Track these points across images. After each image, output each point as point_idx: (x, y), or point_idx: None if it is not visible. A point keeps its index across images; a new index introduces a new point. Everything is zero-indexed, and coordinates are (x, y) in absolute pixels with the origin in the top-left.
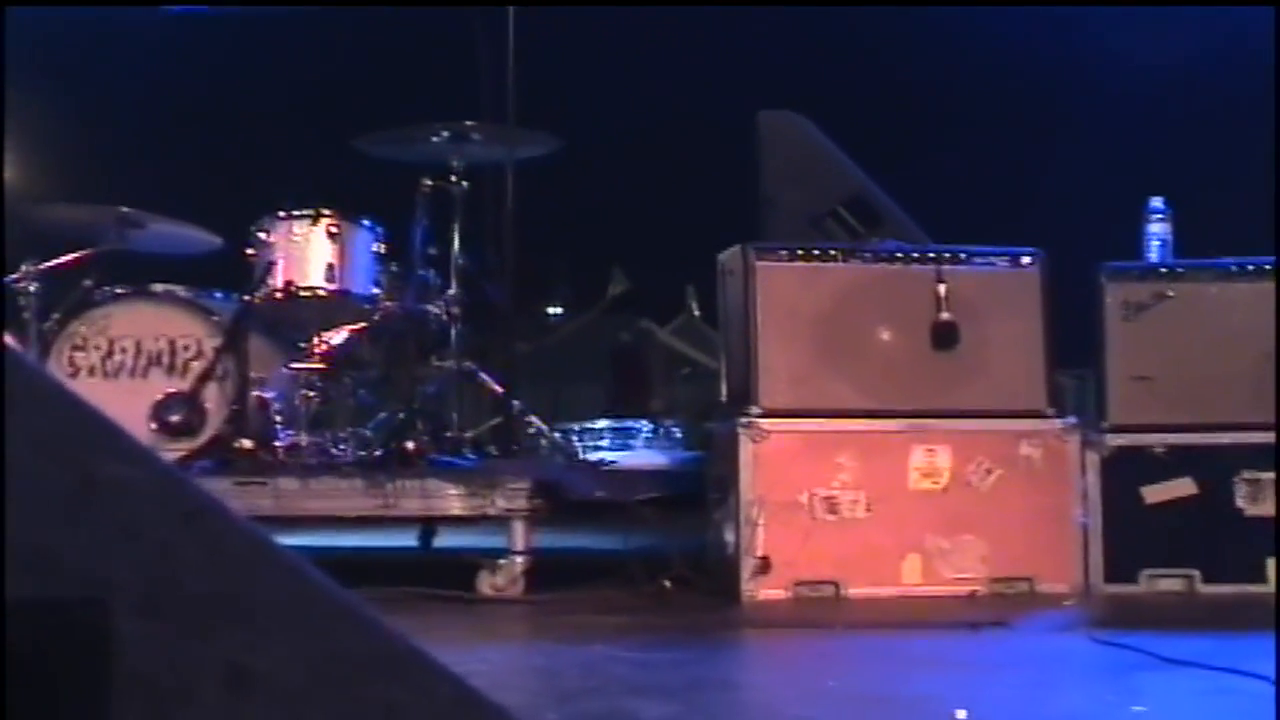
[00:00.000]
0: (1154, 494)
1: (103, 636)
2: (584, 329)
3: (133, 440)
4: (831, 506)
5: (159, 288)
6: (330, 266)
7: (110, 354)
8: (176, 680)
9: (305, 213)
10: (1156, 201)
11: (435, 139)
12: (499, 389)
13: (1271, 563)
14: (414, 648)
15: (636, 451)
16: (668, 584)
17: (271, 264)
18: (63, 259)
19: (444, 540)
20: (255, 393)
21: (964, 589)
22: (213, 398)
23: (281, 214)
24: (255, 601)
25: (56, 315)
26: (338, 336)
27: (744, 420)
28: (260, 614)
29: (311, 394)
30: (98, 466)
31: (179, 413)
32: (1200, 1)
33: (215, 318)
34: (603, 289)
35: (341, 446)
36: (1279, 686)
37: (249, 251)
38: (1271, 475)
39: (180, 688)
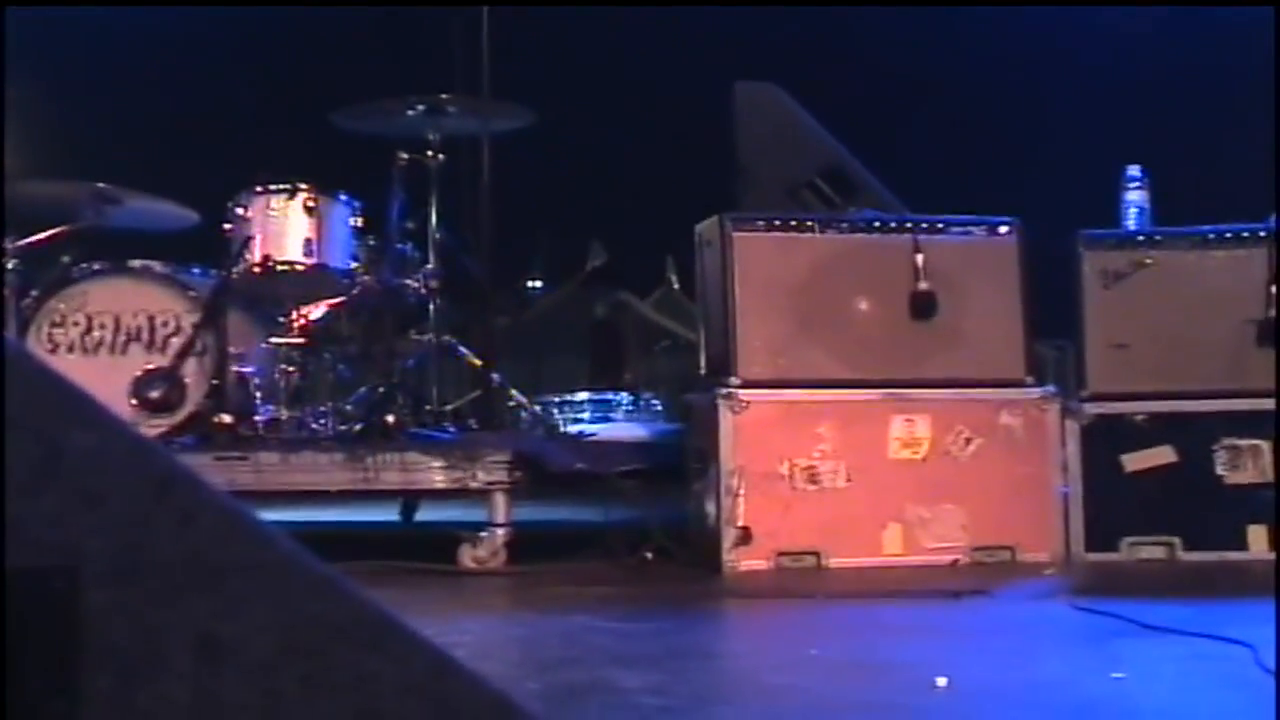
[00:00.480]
0: (1134, 462)
1: (72, 605)
2: (563, 302)
3: (102, 408)
4: (812, 476)
5: (137, 264)
6: (308, 241)
7: (89, 330)
8: (146, 649)
9: (282, 187)
10: (1133, 169)
11: (411, 112)
12: (478, 362)
13: (1252, 530)
14: (389, 617)
15: (616, 423)
16: (649, 555)
17: (249, 239)
18: (40, 236)
19: (425, 514)
20: (234, 368)
21: (945, 558)
22: (192, 373)
23: (258, 189)
24: (226, 570)
25: (35, 292)
26: (316, 311)
27: (723, 391)
28: (231, 582)
29: (291, 369)
30: (65, 435)
31: (159, 388)
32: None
33: (193, 293)
34: (581, 261)
35: (321, 421)
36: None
37: (226, 226)
38: (1251, 442)
39: (150, 656)
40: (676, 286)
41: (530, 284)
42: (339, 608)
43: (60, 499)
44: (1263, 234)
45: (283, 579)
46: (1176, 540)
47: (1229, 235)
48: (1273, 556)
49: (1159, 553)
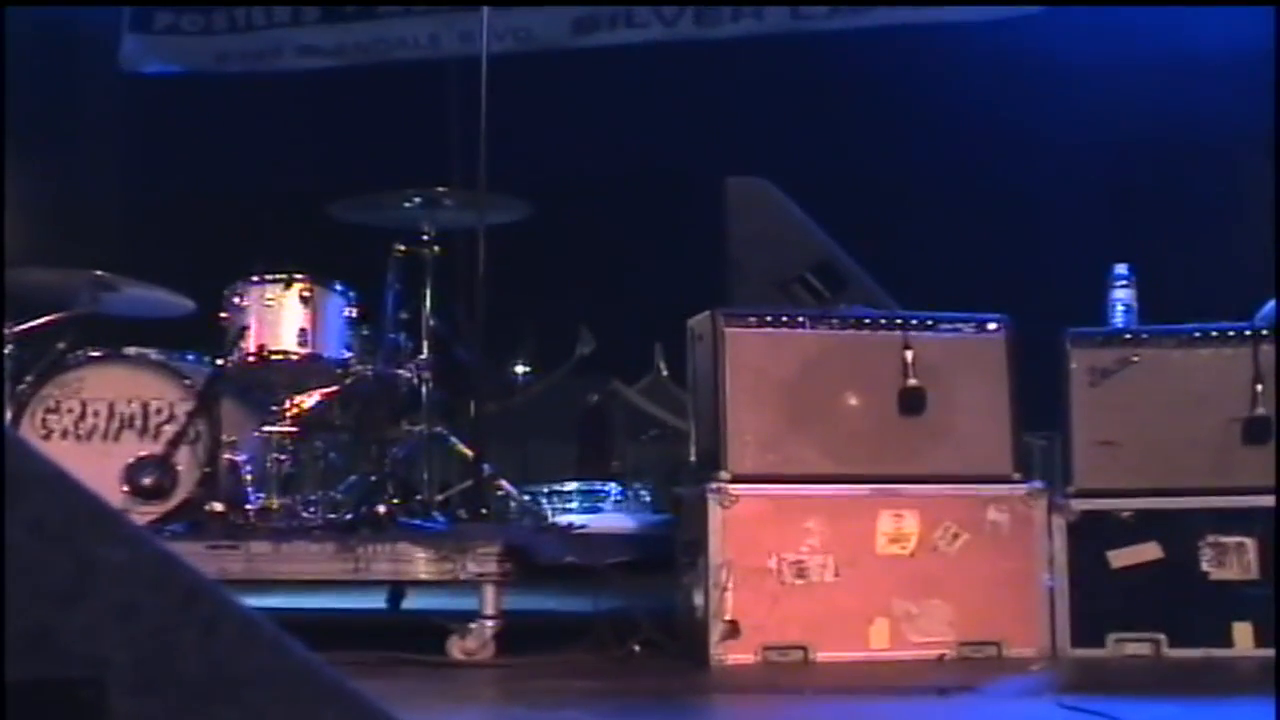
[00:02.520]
0: (1120, 558)
1: (100, 715)
2: (552, 389)
3: (130, 523)
4: (800, 570)
5: (132, 351)
6: (303, 330)
7: (83, 416)
8: None
9: (278, 277)
10: (1121, 267)
11: (407, 204)
12: (468, 452)
13: (1238, 626)
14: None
15: (605, 514)
16: (637, 648)
17: (244, 328)
18: (36, 322)
19: (413, 600)
20: (227, 455)
21: (932, 653)
22: (185, 460)
23: (254, 278)
24: (246, 680)
25: (30, 378)
26: (309, 400)
27: (713, 485)
28: (250, 691)
29: (283, 457)
30: (96, 550)
31: (151, 475)
32: (1193, 3)
33: (188, 381)
34: (570, 349)
35: (312, 509)
36: None
37: (222, 315)
38: (1236, 539)
39: None
40: (665, 374)
41: (518, 370)
42: (349, 714)
43: (90, 612)
44: (1248, 332)
45: (298, 687)
46: (1162, 636)
47: (1215, 334)
48: (1258, 654)
49: (1144, 649)
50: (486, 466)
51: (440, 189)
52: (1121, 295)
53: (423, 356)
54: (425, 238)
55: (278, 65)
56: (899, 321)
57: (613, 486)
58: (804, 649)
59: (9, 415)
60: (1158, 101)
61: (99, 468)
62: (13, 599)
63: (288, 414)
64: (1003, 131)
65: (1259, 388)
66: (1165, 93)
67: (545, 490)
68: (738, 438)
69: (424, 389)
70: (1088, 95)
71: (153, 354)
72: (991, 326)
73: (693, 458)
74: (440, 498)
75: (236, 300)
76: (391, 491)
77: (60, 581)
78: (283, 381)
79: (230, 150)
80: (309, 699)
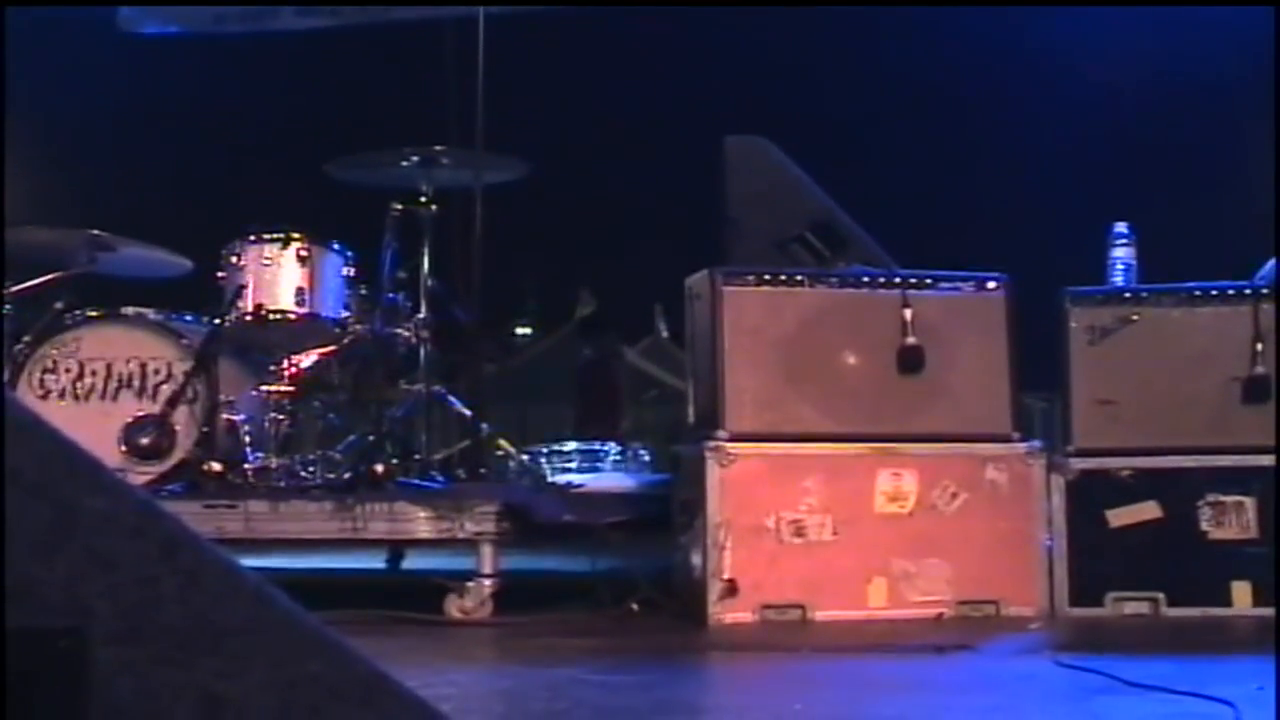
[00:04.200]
0: (1119, 517)
1: (81, 665)
2: (551, 349)
3: (111, 473)
4: (798, 529)
5: (129, 311)
6: (300, 290)
7: (81, 377)
8: (152, 707)
9: (275, 236)
10: (1120, 226)
11: (404, 164)
12: (467, 412)
13: (1236, 585)
14: (381, 674)
15: (604, 474)
16: (635, 607)
17: (241, 287)
18: (33, 282)
19: (412, 562)
20: (225, 415)
21: (930, 612)
22: (183, 420)
23: (251, 237)
24: (227, 630)
25: (27, 338)
26: (307, 359)
27: (711, 444)
28: (233, 642)
29: (281, 417)
30: (77, 499)
31: (149, 435)
32: (1189, 2)
33: (185, 341)
34: (570, 310)
35: (310, 469)
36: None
37: (219, 275)
38: (1235, 498)
39: (156, 714)
40: (665, 335)
41: (518, 331)
42: (334, 666)
43: (72, 562)
44: (1248, 291)
45: (281, 638)
46: (1160, 596)
47: (1215, 292)
48: (1256, 613)
49: (1143, 608)
50: (485, 426)
51: (437, 148)
52: (1121, 254)
53: (421, 316)
54: (423, 197)
55: (275, 25)
56: (898, 280)
57: (611, 446)
58: (802, 608)
59: (6, 376)
60: (1159, 57)
61: (97, 428)
62: None
63: (285, 374)
64: (1003, 90)
65: (1259, 347)
66: (1166, 48)
67: (544, 450)
68: (736, 397)
69: (422, 349)
70: (1088, 52)
71: (150, 314)
72: (991, 285)
73: (691, 417)
74: (438, 457)
75: (234, 260)
76: (390, 451)
77: (39, 531)
78: (280, 341)
79: (228, 110)
80: (292, 649)
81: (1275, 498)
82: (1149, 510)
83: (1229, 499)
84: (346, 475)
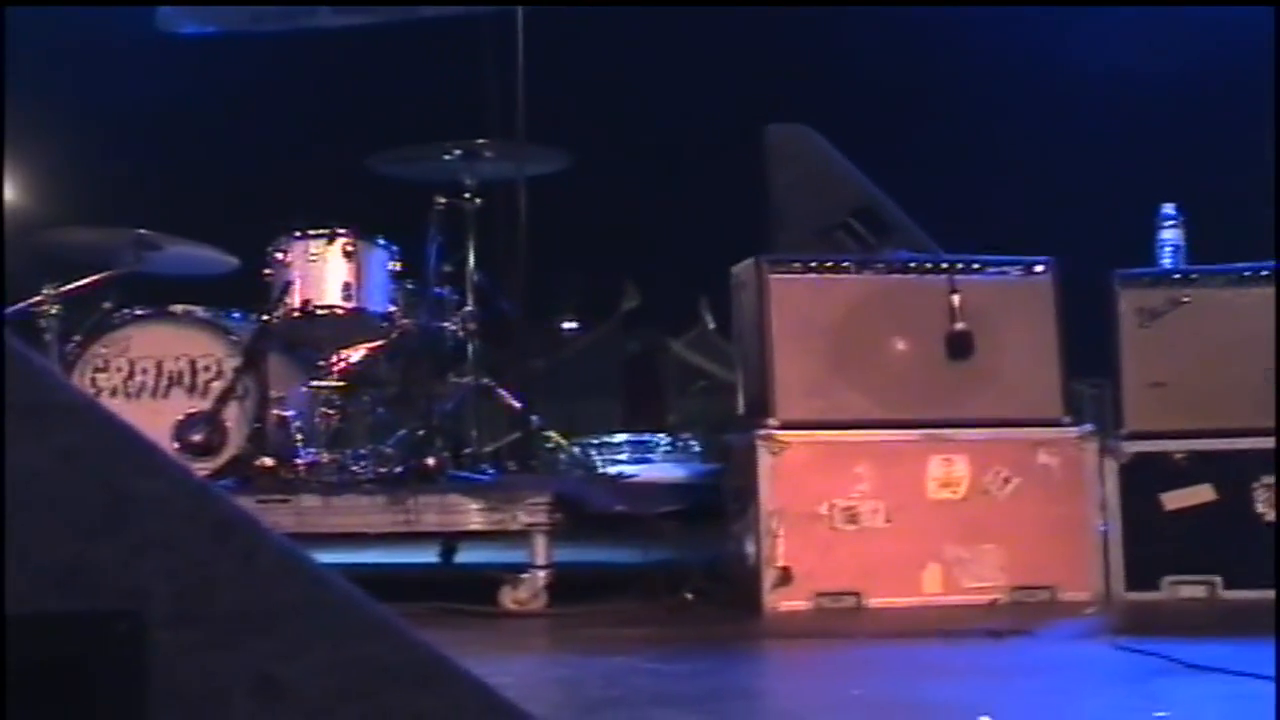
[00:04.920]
0: (1173, 500)
1: (139, 647)
2: (598, 343)
3: (164, 455)
4: (851, 516)
5: (178, 309)
6: (347, 285)
7: (131, 375)
8: (209, 689)
9: (321, 232)
10: (1168, 207)
11: (447, 157)
12: (516, 404)
13: None
14: (441, 656)
15: (655, 464)
16: (688, 596)
17: (288, 283)
18: (82, 282)
19: (465, 556)
20: (275, 411)
21: (984, 598)
22: (233, 417)
23: (297, 234)
24: (283, 612)
25: (78, 337)
26: (355, 354)
27: (762, 432)
28: (288, 624)
29: (331, 412)
30: (130, 481)
31: (200, 432)
32: (1201, 2)
33: (234, 337)
34: (616, 302)
35: (361, 463)
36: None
37: (266, 272)
38: None
39: (212, 696)
40: (711, 327)
41: (565, 325)
42: (392, 647)
43: (127, 544)
44: None
45: (338, 619)
46: (1217, 579)
47: (1265, 273)
48: None
49: (1200, 591)
50: (534, 418)
51: (480, 141)
52: (1169, 236)
53: (467, 309)
54: (466, 191)
55: (313, 23)
56: (944, 265)
57: (662, 438)
58: (856, 595)
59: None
60: (1205, 38)
61: (148, 425)
62: (44, 530)
63: (334, 369)
64: (1048, 73)
65: None
66: (1213, 28)
67: (594, 442)
68: (785, 385)
69: (470, 342)
70: (1135, 33)
71: (199, 311)
72: (1038, 269)
73: (740, 406)
74: (489, 449)
75: (280, 256)
76: (440, 444)
77: (94, 513)
78: (328, 336)
79: (271, 107)
80: (350, 631)
81: (1276, 481)
82: (1203, 493)
83: None
84: (398, 469)
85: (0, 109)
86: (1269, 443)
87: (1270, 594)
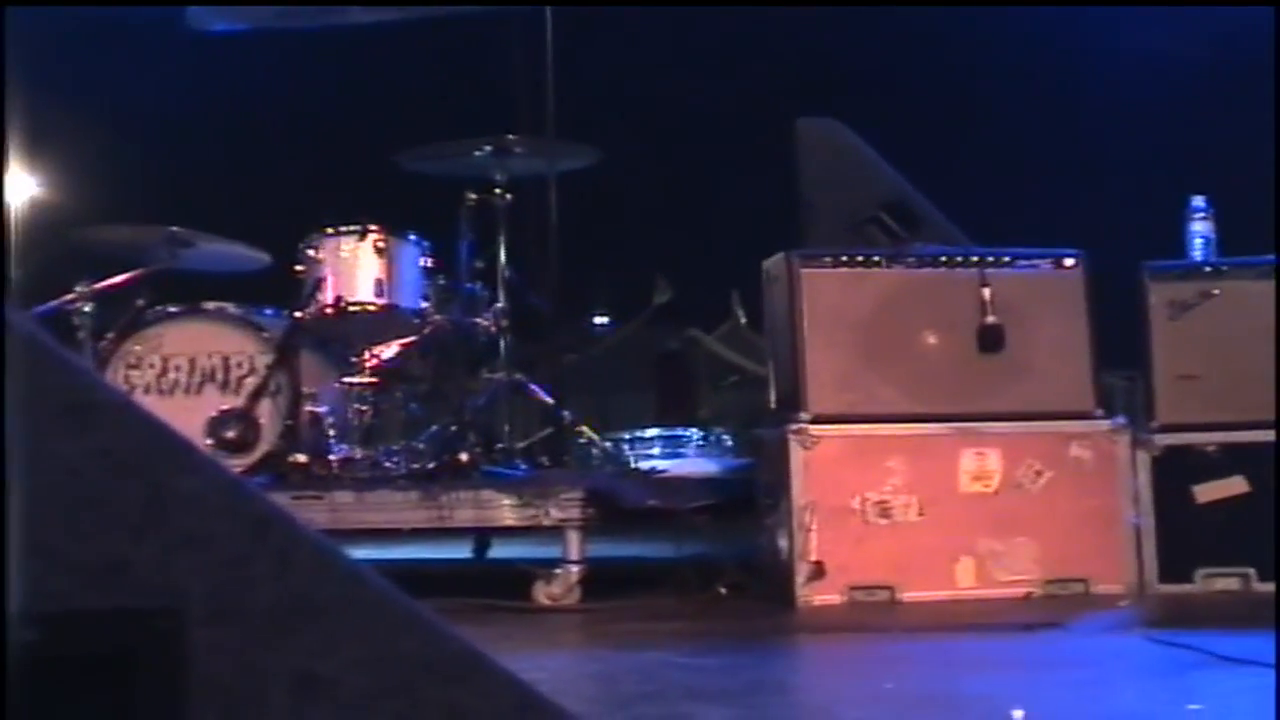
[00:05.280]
0: (1206, 493)
1: (178, 644)
2: (629, 338)
3: (201, 453)
4: (884, 510)
5: (211, 305)
6: (378, 281)
7: (164, 372)
8: (248, 686)
9: (352, 229)
10: (1198, 200)
11: (477, 153)
12: (548, 399)
13: None
14: (476, 651)
15: (687, 459)
16: (722, 590)
17: (320, 280)
18: (115, 279)
19: (497, 551)
20: (308, 408)
21: (1018, 591)
22: (266, 413)
23: (329, 230)
24: (321, 608)
25: (110, 335)
26: (388, 350)
27: (793, 426)
28: (326, 620)
29: (363, 408)
30: (168, 480)
31: (234, 429)
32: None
33: (266, 334)
34: (647, 297)
35: (394, 459)
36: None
37: (297, 268)
38: None
39: (252, 694)
40: (743, 321)
41: (596, 320)
42: (428, 643)
43: (165, 542)
44: None
45: (375, 616)
46: (1251, 571)
47: (1275, 265)
48: None
49: (1233, 584)
50: (567, 413)
51: (510, 137)
52: (1199, 228)
53: (499, 305)
54: (497, 187)
55: (344, 19)
56: (975, 259)
57: (694, 432)
58: (890, 589)
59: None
60: (1234, 28)
61: (182, 422)
62: (83, 528)
63: (367, 365)
64: (1078, 64)
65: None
66: (1245, 18)
67: (626, 437)
68: (816, 378)
69: (502, 338)
70: (1163, 24)
71: (231, 308)
72: (1069, 262)
73: (772, 400)
74: (522, 445)
75: (312, 253)
76: (473, 440)
77: (133, 511)
78: (361, 332)
79: (302, 104)
80: (386, 627)
81: (1275, 479)
82: (1236, 485)
83: None
84: (430, 465)
85: (0, 109)
86: None
87: None
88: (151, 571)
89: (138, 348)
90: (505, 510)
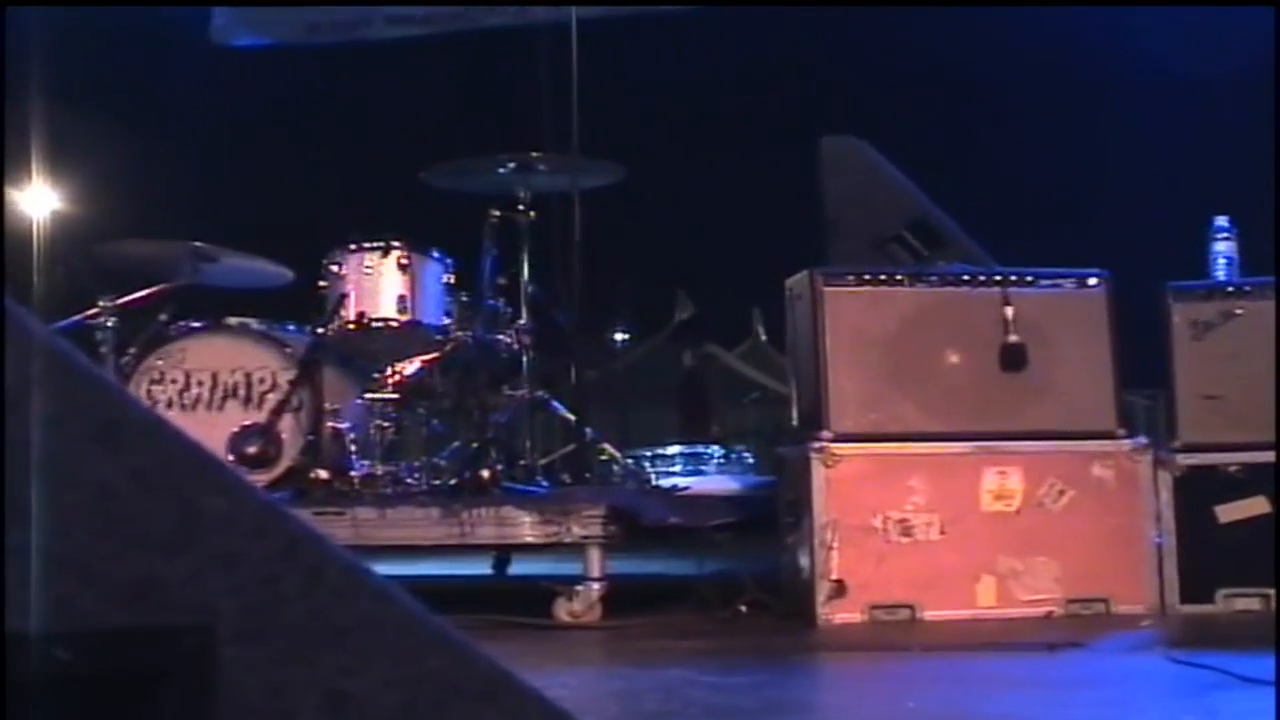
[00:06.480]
0: (1228, 513)
1: (208, 663)
2: (651, 354)
3: (231, 472)
4: (905, 529)
5: (233, 321)
6: (401, 298)
7: (187, 387)
8: (279, 706)
9: (375, 245)
10: (1221, 220)
11: (501, 170)
12: (570, 416)
13: None
14: (504, 671)
15: (708, 476)
16: (743, 608)
17: (343, 296)
18: (138, 294)
19: (518, 567)
20: (330, 423)
21: (1039, 610)
22: (288, 429)
23: (352, 246)
24: (351, 627)
25: (133, 350)
26: (410, 367)
27: (815, 445)
28: (355, 639)
29: (385, 424)
30: (199, 498)
31: (256, 444)
32: (1206, 3)
33: (289, 350)
34: (668, 314)
35: (416, 476)
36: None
37: (320, 284)
38: None
39: (281, 713)
40: (764, 339)
41: (617, 336)
42: (456, 662)
43: (196, 561)
44: None
45: (404, 635)
46: (1272, 591)
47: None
48: None
49: (1255, 604)
50: (588, 430)
51: (534, 154)
52: (1222, 248)
53: (522, 322)
54: (520, 204)
55: (368, 35)
56: (998, 278)
57: (715, 449)
58: (911, 607)
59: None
60: (1255, 48)
61: (204, 437)
62: (115, 546)
63: (389, 381)
64: (1101, 86)
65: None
66: (1260, 38)
67: (648, 454)
68: (839, 397)
69: (524, 355)
70: (1185, 45)
71: (254, 324)
72: (1092, 282)
73: (794, 418)
74: (543, 462)
75: (335, 269)
76: (494, 457)
77: (164, 529)
78: (383, 349)
79: (325, 120)
80: (415, 646)
81: (1275, 494)
82: (1259, 505)
83: None
84: (452, 481)
85: (0, 109)
86: None
87: None
88: (182, 590)
89: (160, 363)
90: (526, 527)
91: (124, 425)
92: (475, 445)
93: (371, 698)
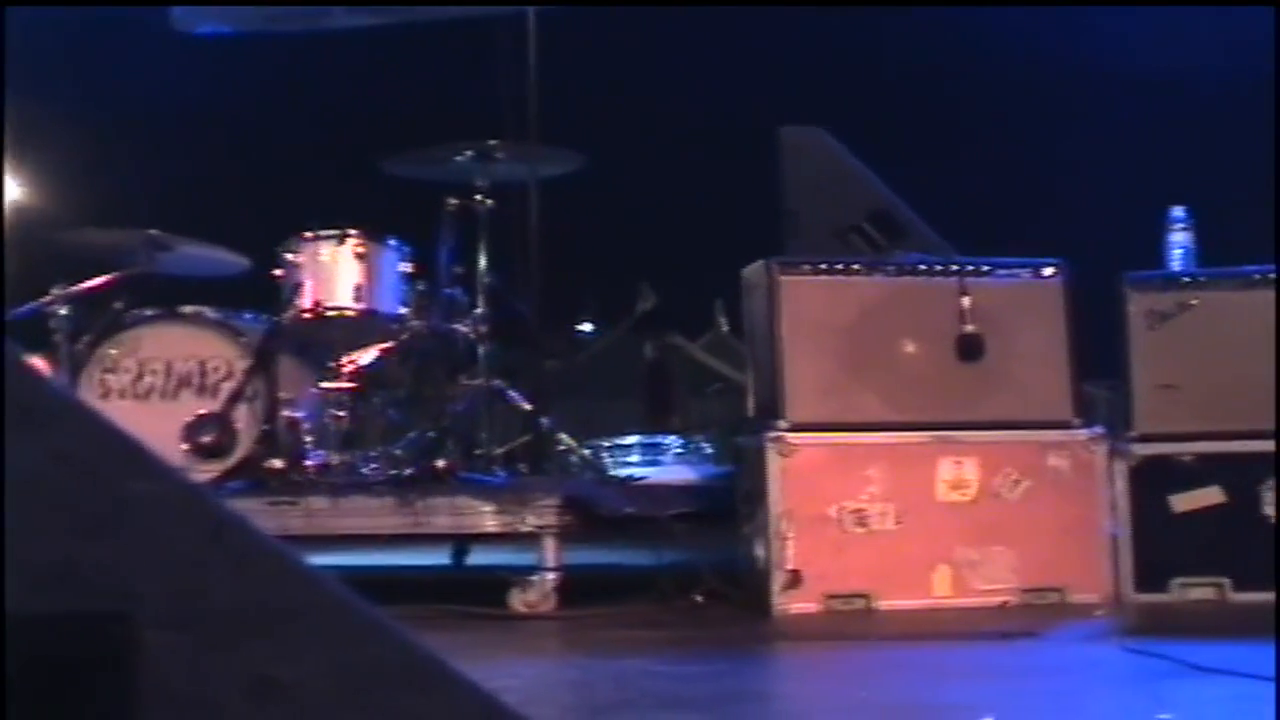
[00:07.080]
0: (1182, 503)
1: (129, 649)
2: (612, 345)
3: (158, 457)
4: (861, 519)
5: (188, 309)
6: (358, 286)
7: (141, 376)
8: (202, 692)
9: (331, 233)
10: (1178, 210)
11: (459, 158)
12: (528, 406)
13: None
14: (438, 659)
15: (666, 467)
16: (699, 599)
17: (299, 285)
18: (92, 282)
19: (475, 558)
20: (285, 413)
21: (994, 600)
22: (243, 418)
23: (308, 235)
24: (279, 614)
25: (87, 338)
26: (366, 356)
27: (772, 434)
28: (284, 626)
29: (341, 413)
30: (122, 482)
31: (210, 433)
32: (1203, 2)
33: (244, 339)
34: (630, 305)
35: (372, 465)
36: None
37: (276, 272)
38: None
39: (205, 699)
40: (726, 329)
41: (579, 327)
42: (389, 651)
43: (119, 545)
44: None
45: (334, 622)
46: (1226, 581)
47: (1273, 275)
48: None
49: (1209, 593)
50: (545, 420)
51: (492, 142)
52: (1179, 238)
53: (479, 311)
54: (478, 192)
55: (327, 24)
56: (955, 268)
57: (674, 439)
58: (866, 597)
59: (66, 376)
60: (1216, 38)
61: (158, 427)
62: (36, 531)
63: (345, 370)
64: (1059, 74)
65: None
66: (1222, 28)
67: (605, 444)
68: (795, 386)
69: (481, 344)
70: (1144, 38)
71: (209, 312)
72: (1048, 272)
73: (751, 408)
74: (500, 452)
75: (291, 257)
76: (451, 447)
77: (87, 513)
78: (339, 338)
79: (283, 108)
80: (347, 633)
81: (1276, 484)
82: (1213, 495)
83: None
84: (408, 471)
85: (0, 109)
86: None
87: None
88: (104, 575)
89: (114, 351)
90: (482, 517)
91: (44, 408)
92: (432, 435)
93: (302, 685)
